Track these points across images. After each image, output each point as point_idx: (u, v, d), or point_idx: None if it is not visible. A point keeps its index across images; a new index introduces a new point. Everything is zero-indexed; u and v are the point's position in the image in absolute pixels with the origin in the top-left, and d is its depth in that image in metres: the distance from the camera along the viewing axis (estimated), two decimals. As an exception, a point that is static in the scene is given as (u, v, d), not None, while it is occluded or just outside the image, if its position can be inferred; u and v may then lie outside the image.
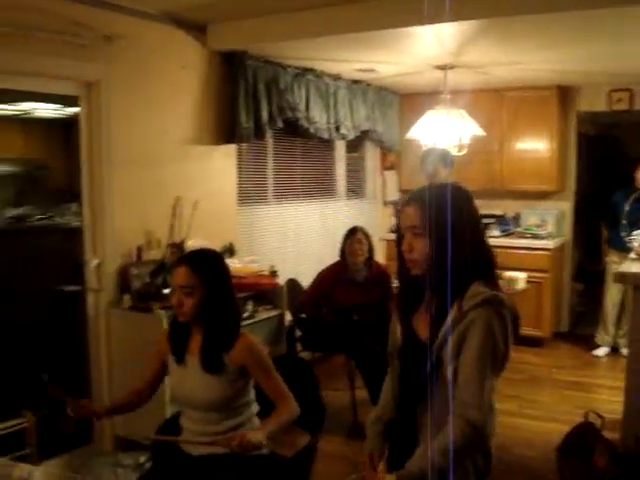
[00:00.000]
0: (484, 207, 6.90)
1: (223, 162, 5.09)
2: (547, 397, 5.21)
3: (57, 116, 6.38)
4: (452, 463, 1.75)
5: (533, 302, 6.41)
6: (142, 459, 3.74)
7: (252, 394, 2.65)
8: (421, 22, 3.80)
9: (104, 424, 4.18)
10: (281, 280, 5.07)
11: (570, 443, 3.40)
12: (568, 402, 5.02)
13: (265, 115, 5.05)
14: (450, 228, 1.77)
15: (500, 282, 5.17)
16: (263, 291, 4.82)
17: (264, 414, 2.61)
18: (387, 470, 1.98)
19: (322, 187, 6.63)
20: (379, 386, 2.21)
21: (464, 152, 5.60)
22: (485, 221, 6.93)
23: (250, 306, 4.68)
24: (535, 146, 6.69)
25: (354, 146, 7.02)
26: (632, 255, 4.51)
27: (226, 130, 4.94)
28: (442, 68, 5.39)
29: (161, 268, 4.24)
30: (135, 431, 3.86)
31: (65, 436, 2.46)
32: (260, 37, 4.66)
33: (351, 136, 6.32)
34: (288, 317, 5.11)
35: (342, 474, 3.78)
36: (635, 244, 4.55)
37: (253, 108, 4.96)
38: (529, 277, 6.00)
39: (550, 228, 6.82)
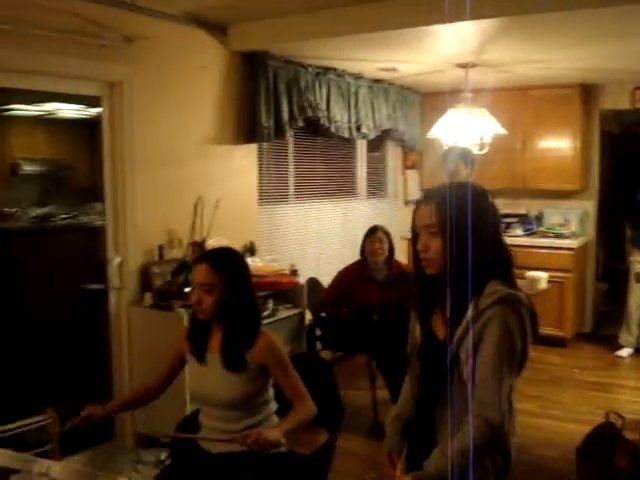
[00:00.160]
0: (507, 206, 6.90)
1: (244, 161, 5.11)
2: (569, 397, 5.17)
3: (81, 116, 6.45)
4: (472, 463, 1.74)
5: (556, 302, 6.36)
6: (163, 456, 3.78)
7: (271, 392, 2.66)
8: (442, 21, 3.79)
9: (125, 421, 4.23)
10: (301, 279, 5.08)
11: (590, 444, 3.38)
12: (590, 403, 4.97)
13: (286, 114, 5.07)
14: (465, 227, 1.76)
15: (522, 282, 5.15)
16: (283, 290, 4.83)
17: (282, 412, 2.62)
18: (405, 469, 1.99)
19: (343, 186, 6.63)
20: (400, 385, 2.21)
21: (485, 151, 5.57)
22: (508, 220, 6.92)
23: (270, 305, 4.70)
24: (558, 145, 6.64)
25: (375, 145, 7.01)
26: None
27: (247, 130, 4.96)
28: (463, 67, 5.37)
29: (182, 267, 4.27)
30: (156, 428, 3.89)
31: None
32: (281, 37, 4.67)
33: (372, 135, 6.32)
34: (308, 316, 5.12)
35: (362, 473, 3.81)
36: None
37: (274, 108, 4.98)
38: (552, 277, 5.94)
39: (573, 227, 6.77)
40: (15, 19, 3.42)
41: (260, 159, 5.37)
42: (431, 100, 6.99)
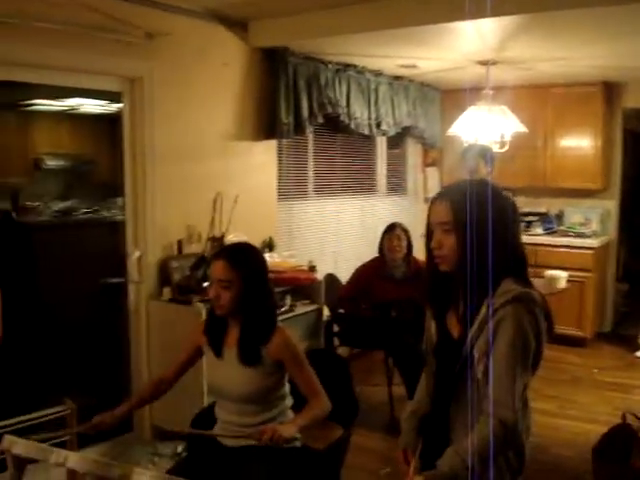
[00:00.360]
0: (527, 205, 6.87)
1: (263, 157, 5.13)
2: (587, 398, 5.13)
3: (103, 112, 6.51)
4: (490, 461, 1.74)
5: (575, 302, 6.32)
6: (179, 449, 3.82)
7: (287, 388, 2.67)
8: (462, 17, 3.78)
9: (143, 414, 4.27)
10: (320, 275, 5.10)
11: (606, 444, 3.36)
12: (608, 403, 4.93)
13: (305, 111, 5.08)
14: (479, 225, 1.76)
15: (541, 280, 5.12)
16: (301, 286, 4.85)
17: (298, 408, 2.63)
18: (418, 468, 1.99)
19: (362, 183, 6.63)
20: (416, 382, 2.21)
21: (506, 149, 5.54)
22: (528, 219, 6.90)
23: (288, 300, 4.72)
24: (580, 143, 6.58)
25: (395, 142, 7.00)
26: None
27: (266, 126, 4.97)
28: (484, 64, 5.34)
29: (201, 261, 4.29)
30: (173, 421, 3.92)
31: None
32: (301, 33, 4.67)
33: (392, 132, 6.31)
34: (326, 312, 5.13)
35: (376, 468, 3.82)
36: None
37: (293, 104, 4.99)
38: (572, 276, 5.89)
39: (594, 226, 6.71)
40: (39, 15, 3.47)
41: (280, 155, 5.38)
42: (452, 97, 6.96)
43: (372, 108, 5.93)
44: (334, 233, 6.21)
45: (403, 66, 5.76)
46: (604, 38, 4.53)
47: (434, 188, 7.40)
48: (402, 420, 2.19)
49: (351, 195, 6.43)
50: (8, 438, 1.91)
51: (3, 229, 4.85)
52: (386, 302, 4.80)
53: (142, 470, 1.83)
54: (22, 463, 1.93)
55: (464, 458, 1.76)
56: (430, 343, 2.04)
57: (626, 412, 3.56)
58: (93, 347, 4.49)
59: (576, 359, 6.08)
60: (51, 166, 6.97)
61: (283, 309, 4.59)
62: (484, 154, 4.98)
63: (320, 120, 5.30)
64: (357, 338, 5.10)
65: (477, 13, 3.59)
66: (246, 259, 2.62)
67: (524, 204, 6.90)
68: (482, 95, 5.46)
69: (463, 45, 4.78)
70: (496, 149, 5.45)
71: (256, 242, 4.12)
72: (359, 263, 5.18)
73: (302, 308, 4.86)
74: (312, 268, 5.05)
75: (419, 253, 5.77)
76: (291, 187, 5.65)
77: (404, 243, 4.87)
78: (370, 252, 5.25)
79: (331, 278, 5.36)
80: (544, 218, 6.97)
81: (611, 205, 6.88)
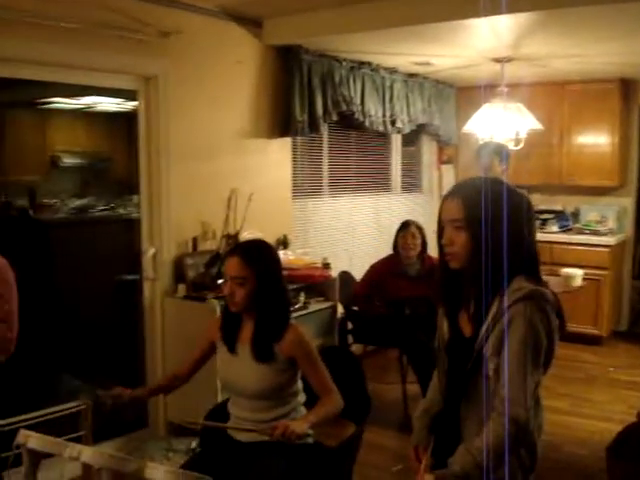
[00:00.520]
0: (543, 202, 6.84)
1: (278, 155, 5.15)
2: (603, 396, 5.10)
3: (120, 110, 6.55)
4: (503, 459, 1.74)
5: (592, 300, 6.29)
6: (193, 444, 3.85)
7: (299, 384, 2.68)
8: (477, 14, 3.75)
9: (158, 410, 4.31)
10: (334, 272, 5.10)
11: (621, 442, 3.33)
12: (624, 402, 4.90)
13: (320, 108, 5.09)
14: (490, 222, 1.76)
15: (557, 278, 5.09)
16: (315, 283, 4.86)
17: (311, 404, 2.64)
18: (430, 466, 1.99)
19: (377, 181, 6.63)
20: (430, 380, 2.22)
21: (521, 146, 5.52)
22: (544, 216, 6.86)
23: (302, 297, 4.73)
24: (596, 140, 6.54)
25: (410, 140, 6.99)
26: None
27: (281, 123, 4.99)
28: (499, 61, 5.32)
29: (216, 259, 4.32)
30: (187, 417, 3.95)
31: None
32: (315, 31, 4.68)
33: (407, 130, 6.30)
34: (340, 309, 5.14)
35: (389, 465, 3.82)
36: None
37: (308, 102, 5.00)
38: (588, 274, 5.85)
39: (610, 224, 6.67)
40: (56, 15, 3.50)
41: (294, 153, 5.40)
42: (467, 94, 6.94)
43: (387, 105, 5.93)
44: (349, 231, 6.22)
45: (418, 63, 5.75)
46: (620, 35, 4.49)
47: (449, 186, 7.32)
48: (414, 418, 2.20)
49: (366, 193, 6.43)
50: (23, 432, 1.93)
51: (20, 226, 4.90)
52: (400, 300, 4.80)
53: (156, 465, 1.84)
54: (37, 458, 1.95)
55: (475, 456, 1.76)
56: (442, 341, 2.04)
57: (640, 410, 3.54)
58: (108, 343, 4.52)
59: (592, 357, 6.05)
60: (68, 164, 7.01)
61: (297, 306, 4.60)
62: (499, 152, 4.96)
63: (334, 118, 5.30)
64: (371, 336, 5.11)
65: (492, 10, 3.57)
66: (260, 256, 2.63)
67: (540, 202, 6.88)
68: (497, 92, 5.44)
69: (478, 42, 4.76)
70: (511, 146, 5.43)
71: (270, 239, 4.12)
72: (374, 261, 5.18)
73: (316, 305, 4.87)
74: (326, 265, 5.05)
75: (433, 251, 5.76)
76: (306, 185, 5.66)
77: (418, 241, 4.86)
78: (385, 250, 5.25)
79: (345, 275, 5.36)
80: (560, 216, 6.93)
81: (627, 202, 6.84)
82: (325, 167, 5.90)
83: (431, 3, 4.12)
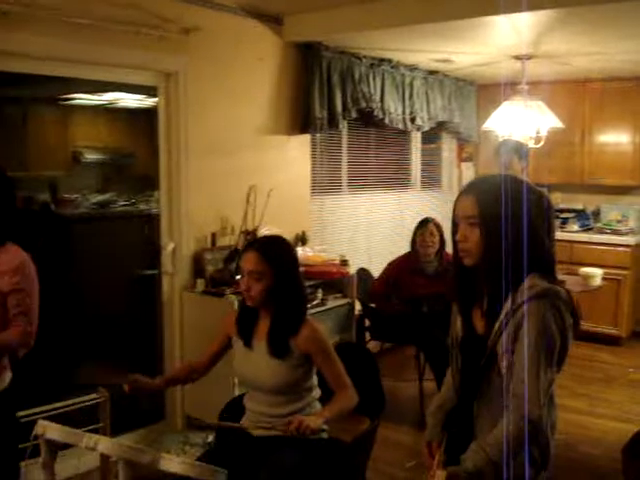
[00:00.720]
0: (563, 201, 6.80)
1: (297, 152, 5.17)
2: (621, 397, 5.07)
3: (141, 106, 6.59)
4: (520, 456, 1.74)
5: (611, 300, 6.25)
6: (210, 438, 3.87)
7: (315, 379, 2.69)
8: (497, 12, 3.76)
9: (175, 404, 4.35)
10: (352, 269, 5.11)
11: (637, 443, 3.31)
12: (642, 402, 4.89)
13: (339, 105, 5.10)
14: (505, 219, 1.76)
15: (576, 278, 5.05)
16: (333, 280, 4.87)
17: (326, 400, 2.66)
18: (443, 462, 2.00)
19: (396, 178, 6.63)
20: None
21: (541, 144, 5.49)
22: (564, 215, 6.83)
23: (320, 294, 4.74)
24: (618, 139, 6.50)
25: (430, 137, 6.98)
26: None
27: (300, 120, 5.00)
28: (520, 58, 5.29)
29: (234, 254, 4.34)
30: (205, 411, 4.00)
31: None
32: (335, 28, 4.69)
33: (427, 127, 6.29)
34: (358, 306, 5.15)
35: (403, 462, 3.83)
36: None
37: (327, 98, 5.01)
38: (608, 274, 5.81)
39: (631, 224, 6.61)
40: (78, 12, 3.54)
41: (313, 150, 5.41)
42: (487, 92, 6.92)
43: (406, 103, 5.92)
44: (367, 228, 6.22)
45: (438, 60, 5.73)
46: (640, 33, 4.46)
47: (469, 184, 7.35)
48: (428, 414, 2.21)
49: (385, 190, 6.43)
50: (41, 423, 1.96)
51: (42, 220, 4.94)
52: (418, 297, 4.80)
53: (171, 456, 1.86)
54: (54, 448, 1.98)
55: (488, 453, 1.77)
56: (456, 338, 2.04)
57: (658, 411, 3.52)
58: (128, 337, 4.56)
59: (611, 358, 6.00)
60: (90, 159, 7.05)
61: (314, 303, 4.62)
62: (518, 149, 4.94)
63: (354, 115, 5.31)
64: (388, 333, 5.11)
65: (512, 7, 3.57)
66: (277, 251, 2.65)
67: (560, 200, 6.84)
68: (518, 90, 5.42)
69: (498, 39, 4.75)
70: (532, 144, 5.40)
71: (289, 236, 4.14)
72: (393, 258, 5.18)
73: (333, 302, 4.88)
74: (344, 262, 5.07)
75: (452, 249, 5.76)
76: (325, 181, 5.67)
77: (436, 238, 4.86)
78: (404, 247, 5.25)
79: (363, 273, 5.37)
80: (580, 215, 6.90)
81: (649, 202, 6.78)
82: (344, 164, 5.90)
83: (451, 0, 4.11)
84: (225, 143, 4.54)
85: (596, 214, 6.93)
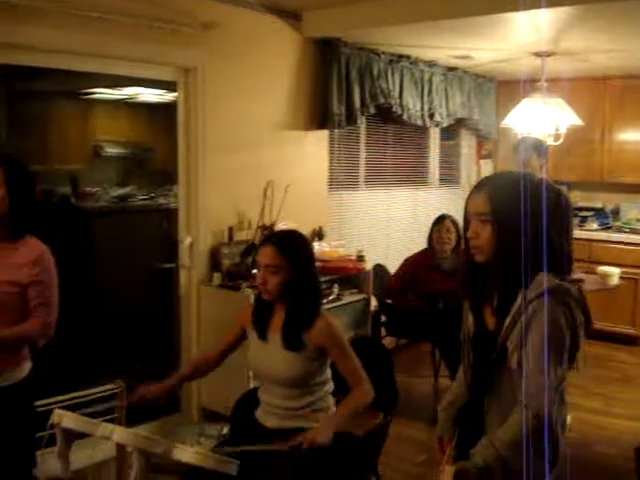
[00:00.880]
0: (583, 199, 6.75)
1: (315, 147, 5.18)
2: (637, 396, 5.04)
3: (161, 101, 6.63)
4: (526, 452, 1.75)
5: (629, 299, 6.21)
6: (225, 430, 3.91)
7: (328, 373, 2.71)
8: (516, 8, 3.74)
9: (191, 396, 4.39)
10: (369, 265, 5.12)
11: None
12: (659, 403, 4.85)
13: (357, 101, 5.11)
14: (515, 216, 1.76)
15: (593, 277, 5.02)
16: (349, 275, 4.88)
17: (339, 393, 2.67)
18: (453, 457, 2.01)
19: (414, 174, 6.63)
20: None
21: (560, 142, 5.46)
22: (583, 214, 6.80)
23: (336, 289, 4.76)
24: (638, 137, 6.44)
25: (449, 134, 6.96)
26: None
27: (318, 116, 5.02)
28: (540, 55, 5.27)
29: (251, 249, 4.37)
30: (220, 403, 4.04)
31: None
32: (354, 24, 4.70)
33: (445, 123, 6.28)
34: (374, 302, 5.16)
35: (415, 457, 3.84)
36: None
37: (345, 94, 5.02)
38: (626, 273, 5.76)
39: (652, 223, 6.56)
40: (99, 7, 3.58)
41: (331, 145, 5.42)
42: (507, 88, 6.88)
43: (425, 99, 5.92)
44: (385, 223, 6.23)
45: (457, 57, 5.72)
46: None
47: (487, 181, 7.32)
48: (439, 409, 2.22)
49: (402, 186, 6.43)
50: (57, 412, 1.99)
51: (62, 213, 5.00)
52: (433, 293, 4.81)
53: (184, 446, 1.89)
54: (70, 437, 2.01)
55: (497, 448, 1.78)
56: (467, 334, 2.05)
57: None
58: (145, 329, 4.61)
59: (628, 357, 5.96)
60: (110, 153, 7.10)
61: (330, 298, 4.64)
62: (537, 147, 4.92)
63: (372, 111, 5.32)
64: (404, 329, 5.12)
65: (531, 4, 3.56)
66: (294, 245, 2.67)
67: (579, 199, 6.80)
68: (537, 87, 5.39)
69: (518, 36, 4.73)
70: (551, 142, 5.38)
71: (306, 231, 4.16)
72: (410, 254, 5.19)
73: (349, 297, 4.89)
74: (360, 258, 5.08)
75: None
76: (342, 177, 5.68)
77: (453, 235, 4.86)
78: (421, 243, 5.25)
79: (380, 269, 5.38)
80: (600, 213, 6.85)
81: (670, 201, 6.72)
82: (362, 160, 5.91)
83: (470, -3, 4.11)
84: (243, 138, 4.57)
85: (615, 213, 6.88)
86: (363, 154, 5.91)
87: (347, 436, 2.66)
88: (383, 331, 5.20)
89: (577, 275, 4.88)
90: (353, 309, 4.91)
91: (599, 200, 6.95)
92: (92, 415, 2.26)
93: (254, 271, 4.12)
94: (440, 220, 4.93)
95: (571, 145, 5.83)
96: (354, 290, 4.97)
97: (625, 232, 6.48)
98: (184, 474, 2.47)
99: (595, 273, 5.30)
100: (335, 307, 4.61)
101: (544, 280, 1.80)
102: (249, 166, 4.60)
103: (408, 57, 5.62)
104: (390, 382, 2.93)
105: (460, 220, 4.97)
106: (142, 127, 7.50)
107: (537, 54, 5.27)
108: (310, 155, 5.14)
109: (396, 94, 5.52)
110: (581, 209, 6.81)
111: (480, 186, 1.91)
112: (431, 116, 6.01)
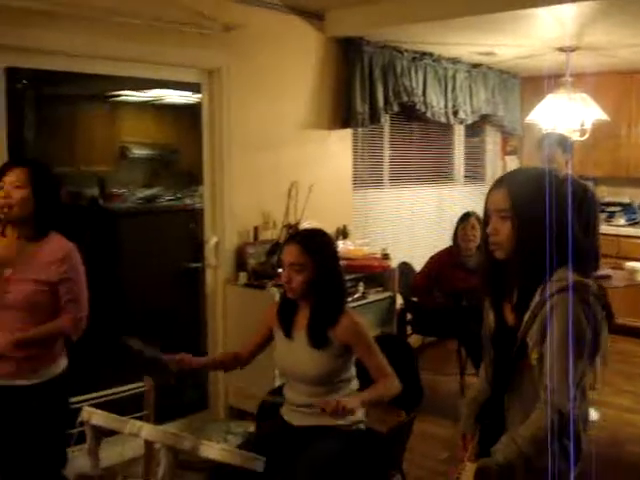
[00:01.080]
0: (610, 194, 6.68)
1: (339, 146, 5.20)
2: (668, 393, 4.99)
3: (186, 102, 6.69)
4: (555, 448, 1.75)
5: (658, 295, 6.13)
6: (251, 428, 3.94)
7: (353, 370, 2.73)
8: (537, 4, 3.73)
9: (218, 394, 4.44)
10: (394, 263, 5.12)
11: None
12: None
13: (381, 100, 5.12)
14: (536, 212, 1.76)
15: (621, 272, 4.97)
16: (374, 273, 4.89)
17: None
18: (475, 454, 2.02)
19: (439, 172, 6.61)
20: None
21: (586, 137, 5.42)
22: (610, 209, 6.73)
23: (361, 287, 4.77)
24: (666, 131, 6.37)
25: (474, 130, 6.94)
26: None
27: (342, 115, 5.04)
28: (564, 50, 5.23)
29: (276, 248, 4.40)
30: (247, 401, 4.07)
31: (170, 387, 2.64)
32: (376, 22, 4.71)
33: (469, 120, 6.27)
34: (400, 300, 5.16)
35: (439, 455, 3.85)
36: None
37: (369, 93, 5.03)
38: (655, 268, 5.72)
39: (680, 218, 6.49)
40: (125, 12, 3.64)
41: (355, 144, 5.43)
42: (531, 84, 6.84)
43: (449, 96, 5.90)
44: (410, 221, 6.22)
45: (481, 53, 5.70)
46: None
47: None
48: (462, 405, 2.22)
49: (427, 184, 6.42)
50: (87, 409, 2.03)
51: (90, 215, 5.07)
52: (458, 291, 4.80)
53: (211, 443, 1.92)
54: (100, 435, 2.05)
55: (519, 445, 1.78)
56: (488, 331, 2.05)
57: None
58: (172, 328, 4.66)
59: (658, 354, 5.90)
60: (137, 155, 7.16)
61: (356, 296, 4.65)
62: (562, 142, 4.88)
63: (395, 109, 5.32)
64: (430, 327, 5.12)
65: (553, -1, 3.54)
66: (318, 244, 2.70)
67: (606, 194, 6.74)
68: (561, 82, 5.35)
69: (541, 31, 4.70)
70: (576, 137, 5.34)
71: (330, 230, 4.18)
72: (434, 252, 5.19)
73: (375, 295, 4.90)
74: (385, 256, 5.08)
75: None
76: (366, 175, 5.68)
77: (478, 232, 4.82)
78: (447, 241, 5.24)
79: (405, 267, 5.39)
80: (627, 209, 6.79)
81: (699, 195, 6.64)
82: (386, 158, 5.91)
83: (491, -7, 4.10)
84: (267, 138, 4.60)
85: (643, 208, 6.81)
86: (387, 152, 5.90)
87: (371, 432, 2.68)
88: (409, 329, 5.21)
89: (604, 271, 4.85)
90: (378, 307, 4.92)
91: (626, 195, 6.88)
92: (121, 412, 2.29)
93: (279, 270, 4.17)
94: (465, 217, 4.92)
95: (597, 140, 5.79)
96: (379, 288, 4.97)
97: (654, 227, 6.42)
98: (210, 471, 2.51)
99: (623, 269, 5.25)
100: (360, 305, 4.62)
101: (565, 276, 1.80)
102: (273, 166, 4.63)
103: (431, 54, 5.62)
104: (415, 380, 2.94)
105: (485, 217, 4.97)
106: (167, 129, 7.56)
107: (561, 49, 5.24)
108: (334, 154, 5.15)
109: (419, 92, 5.51)
110: (608, 204, 6.75)
111: (500, 182, 1.92)
112: (455, 113, 6.00)
